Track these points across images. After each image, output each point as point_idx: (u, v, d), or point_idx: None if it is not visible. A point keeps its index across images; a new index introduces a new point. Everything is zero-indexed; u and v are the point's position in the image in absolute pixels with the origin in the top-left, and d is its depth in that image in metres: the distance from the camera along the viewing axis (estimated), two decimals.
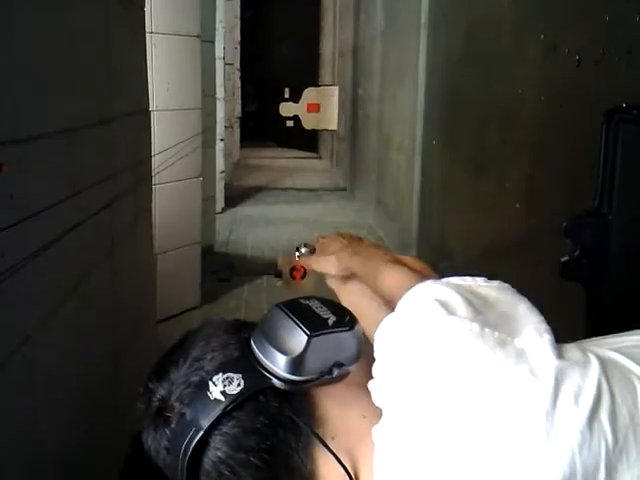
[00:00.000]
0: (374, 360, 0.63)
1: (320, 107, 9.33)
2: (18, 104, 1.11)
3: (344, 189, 8.50)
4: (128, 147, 2.05)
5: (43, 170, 1.24)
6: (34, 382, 1.18)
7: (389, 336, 0.62)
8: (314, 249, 1.06)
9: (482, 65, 3.08)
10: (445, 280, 0.65)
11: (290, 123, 9.57)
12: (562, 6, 2.19)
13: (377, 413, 0.63)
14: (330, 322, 0.70)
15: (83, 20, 1.56)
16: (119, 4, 1.92)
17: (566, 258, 1.08)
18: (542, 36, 2.30)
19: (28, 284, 1.13)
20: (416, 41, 4.33)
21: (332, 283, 1.03)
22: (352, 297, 0.98)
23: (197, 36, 3.81)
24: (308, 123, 9.47)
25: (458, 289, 0.62)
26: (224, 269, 4.77)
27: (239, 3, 9.46)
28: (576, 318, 1.14)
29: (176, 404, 0.68)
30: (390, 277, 0.84)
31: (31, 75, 1.18)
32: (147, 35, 2.45)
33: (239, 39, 9.49)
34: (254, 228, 6.22)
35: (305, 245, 1.06)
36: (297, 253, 1.06)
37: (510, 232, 2.67)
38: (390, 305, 0.68)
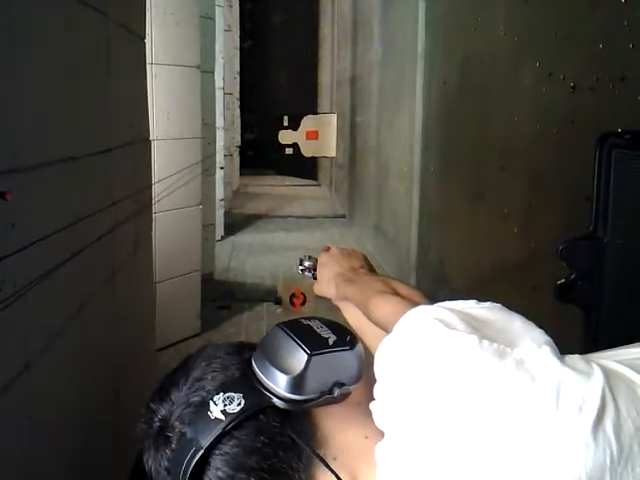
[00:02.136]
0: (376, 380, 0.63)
1: (319, 134, 9.40)
2: (19, 134, 1.13)
3: (343, 216, 8.52)
4: (128, 176, 2.07)
5: (44, 199, 1.25)
6: (34, 408, 1.18)
7: (389, 356, 0.62)
8: (317, 261, 1.07)
9: (479, 93, 3.12)
10: (438, 304, 0.66)
11: (289, 151, 9.62)
12: (557, 34, 2.23)
13: (379, 433, 0.63)
14: (331, 341, 0.69)
15: (84, 51, 1.58)
16: (120, 35, 1.95)
17: (562, 281, 1.09)
18: (538, 64, 2.33)
19: (29, 311, 1.13)
20: (413, 70, 4.38)
21: (336, 301, 1.04)
22: (356, 314, 0.98)
23: (197, 66, 3.85)
24: (307, 150, 9.53)
25: (452, 310, 0.63)
26: (224, 296, 4.77)
27: (238, 34, 9.59)
28: (575, 341, 1.14)
29: (177, 424, 0.68)
30: (382, 307, 0.85)
31: (32, 105, 1.20)
32: (148, 65, 2.48)
33: (238, 69, 9.60)
34: (254, 255, 6.22)
35: (309, 258, 1.07)
36: (300, 267, 1.07)
37: (509, 257, 2.68)
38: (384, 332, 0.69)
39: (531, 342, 0.58)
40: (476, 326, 0.60)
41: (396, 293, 0.87)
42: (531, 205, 2.44)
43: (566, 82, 2.08)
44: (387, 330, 0.65)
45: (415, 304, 0.70)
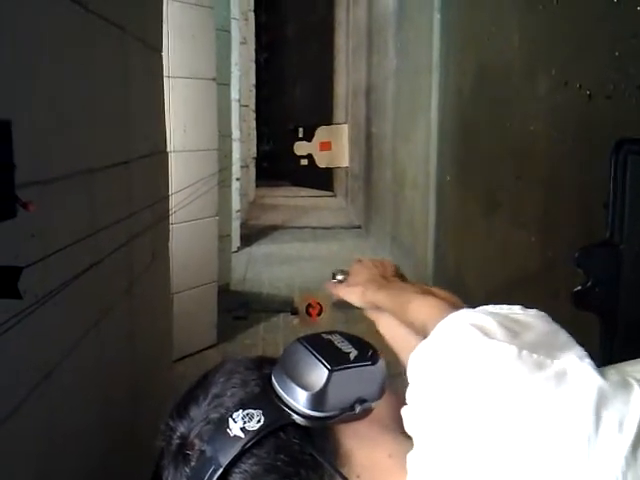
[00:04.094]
0: (403, 394, 0.62)
1: (331, 145, 9.43)
2: (40, 146, 1.14)
3: (359, 227, 8.52)
4: (146, 187, 2.09)
5: (63, 210, 1.27)
6: (53, 419, 1.19)
7: (424, 361, 0.61)
8: (349, 274, 1.05)
9: (494, 102, 3.11)
10: (481, 308, 0.64)
11: (304, 162, 9.65)
12: (572, 42, 2.22)
13: (403, 452, 0.62)
14: (352, 356, 0.67)
15: (101, 64, 1.60)
16: (137, 48, 1.98)
17: (578, 288, 1.08)
18: (553, 72, 2.33)
19: (48, 321, 1.15)
20: (428, 80, 4.39)
21: (369, 312, 1.01)
22: (390, 325, 0.96)
23: (213, 79, 3.89)
24: (321, 161, 9.56)
25: (494, 316, 0.61)
26: (240, 307, 4.77)
27: (254, 46, 9.67)
28: (594, 349, 1.13)
29: (196, 441, 0.67)
30: (423, 308, 0.82)
31: (51, 118, 1.22)
32: (165, 78, 2.51)
33: (254, 81, 9.67)
34: (270, 266, 6.23)
35: (342, 272, 1.06)
36: (333, 280, 1.06)
37: (526, 265, 2.66)
38: (422, 336, 0.67)
39: (573, 355, 0.57)
40: (517, 332, 0.59)
41: (436, 297, 0.84)
42: (548, 213, 2.43)
43: (582, 91, 2.07)
44: (426, 334, 0.63)
45: (456, 308, 0.68)
